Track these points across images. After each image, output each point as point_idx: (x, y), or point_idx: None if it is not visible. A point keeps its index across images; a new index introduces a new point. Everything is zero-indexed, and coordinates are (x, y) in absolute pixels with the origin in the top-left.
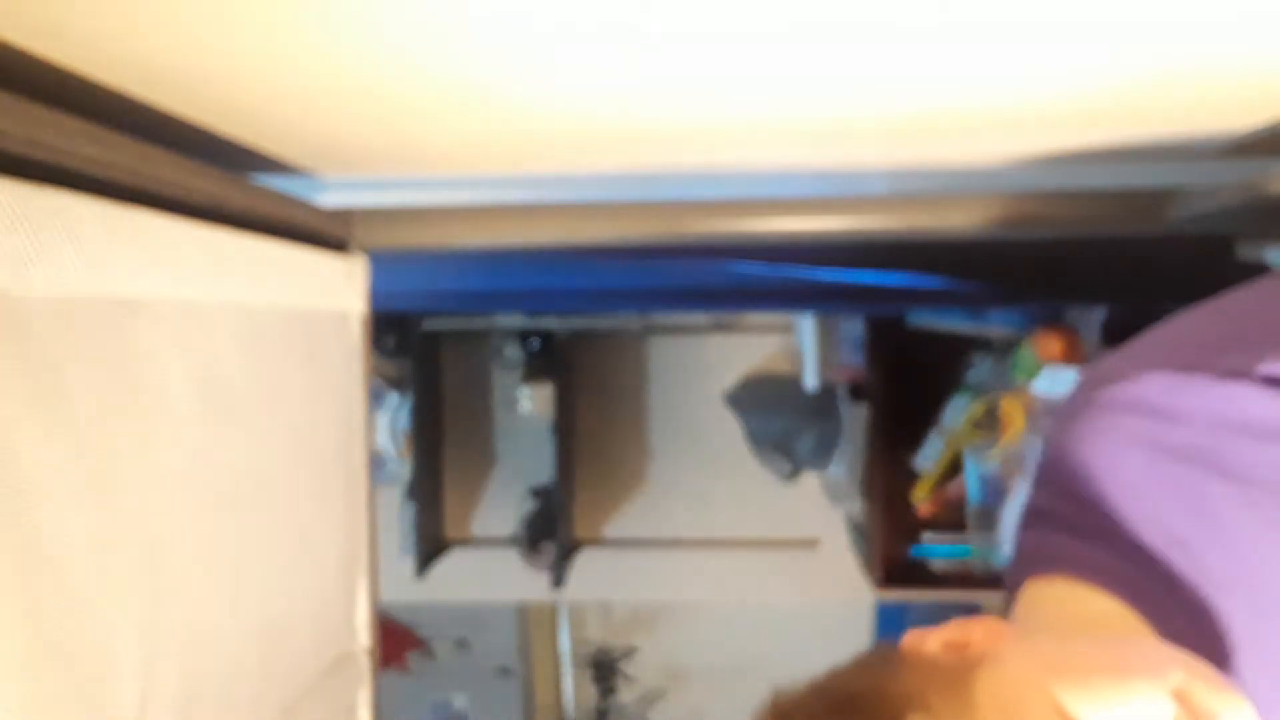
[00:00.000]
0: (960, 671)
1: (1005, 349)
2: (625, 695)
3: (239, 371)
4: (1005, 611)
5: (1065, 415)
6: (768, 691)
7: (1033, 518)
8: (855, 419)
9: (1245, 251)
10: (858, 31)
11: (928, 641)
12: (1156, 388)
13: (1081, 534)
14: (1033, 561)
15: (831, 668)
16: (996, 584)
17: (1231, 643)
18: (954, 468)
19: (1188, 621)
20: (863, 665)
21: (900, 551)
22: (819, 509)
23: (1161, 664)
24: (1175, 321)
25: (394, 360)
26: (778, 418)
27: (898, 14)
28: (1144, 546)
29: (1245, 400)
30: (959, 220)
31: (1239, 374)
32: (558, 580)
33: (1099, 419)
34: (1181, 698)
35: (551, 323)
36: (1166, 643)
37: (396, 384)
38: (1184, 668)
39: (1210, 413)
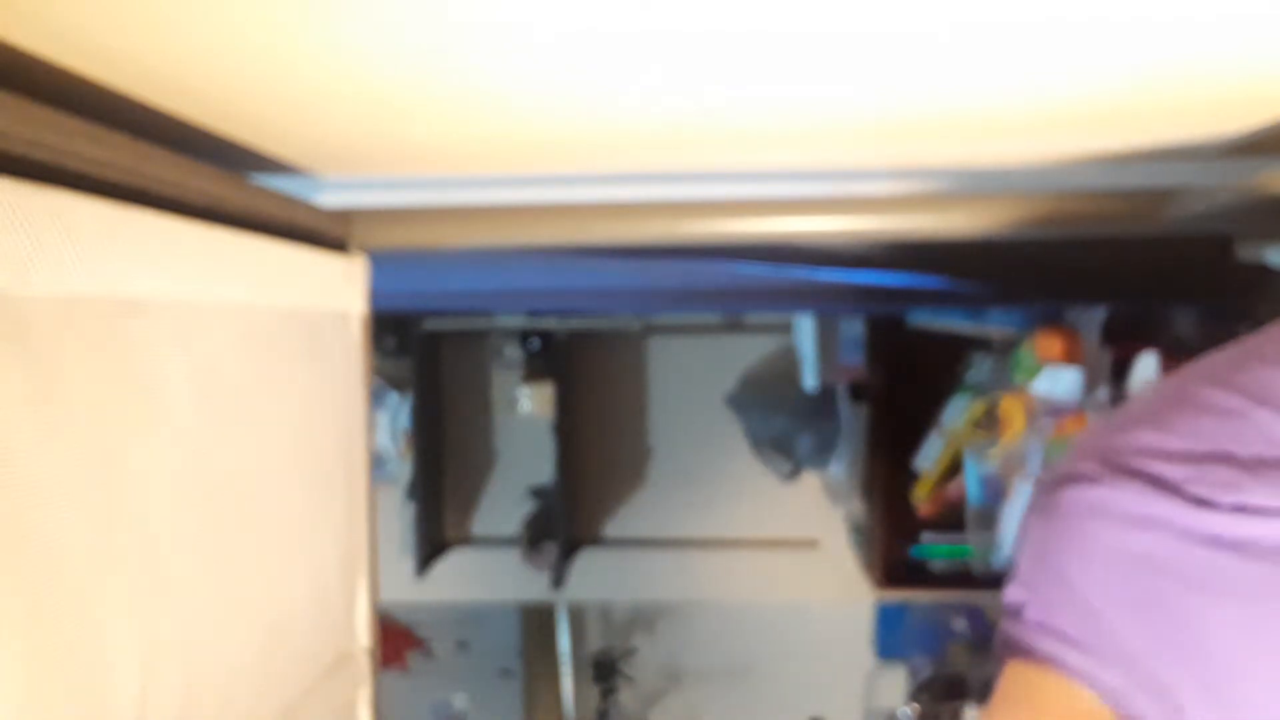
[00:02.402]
0: None
1: (1005, 349)
2: (625, 695)
3: (239, 371)
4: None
5: (1040, 502)
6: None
7: (1011, 610)
8: (855, 419)
9: (1245, 251)
10: (857, 32)
11: None
12: (1124, 495)
13: (1055, 633)
14: (1012, 649)
15: None
16: (996, 584)
17: None
18: (954, 468)
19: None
20: None
21: (900, 551)
22: (819, 509)
23: None
24: (1159, 397)
25: (394, 360)
26: (778, 418)
27: (897, 15)
28: (1112, 650)
29: (1211, 523)
30: (959, 221)
31: (1209, 503)
32: (558, 580)
33: (1067, 522)
34: None
35: (551, 323)
36: None
37: (396, 384)
38: None
39: (1178, 527)
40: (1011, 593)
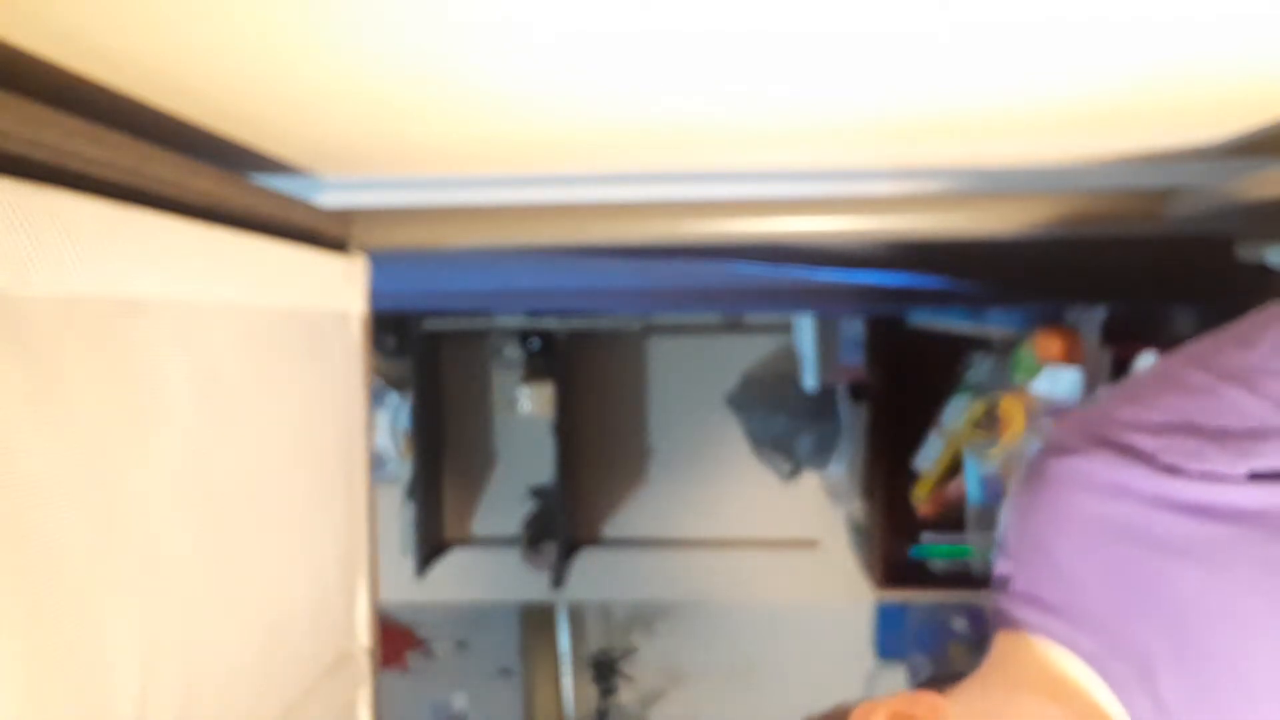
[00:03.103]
0: None
1: (1005, 349)
2: (625, 695)
3: (239, 371)
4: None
5: (1024, 476)
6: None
7: (999, 583)
8: (855, 419)
9: (1245, 251)
10: (857, 32)
11: (876, 713)
12: (1101, 464)
13: (1040, 604)
14: (1001, 620)
15: None
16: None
17: (1176, 708)
18: (954, 468)
19: (1140, 689)
20: None
21: (900, 551)
22: (819, 509)
23: None
24: (1145, 377)
25: (394, 360)
26: (778, 418)
27: (897, 15)
28: (1092, 618)
29: (1179, 489)
30: (959, 221)
31: (1177, 470)
32: (558, 580)
33: (1047, 492)
34: None
35: (551, 323)
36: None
37: (396, 384)
38: None
39: (1144, 492)
40: (1000, 566)
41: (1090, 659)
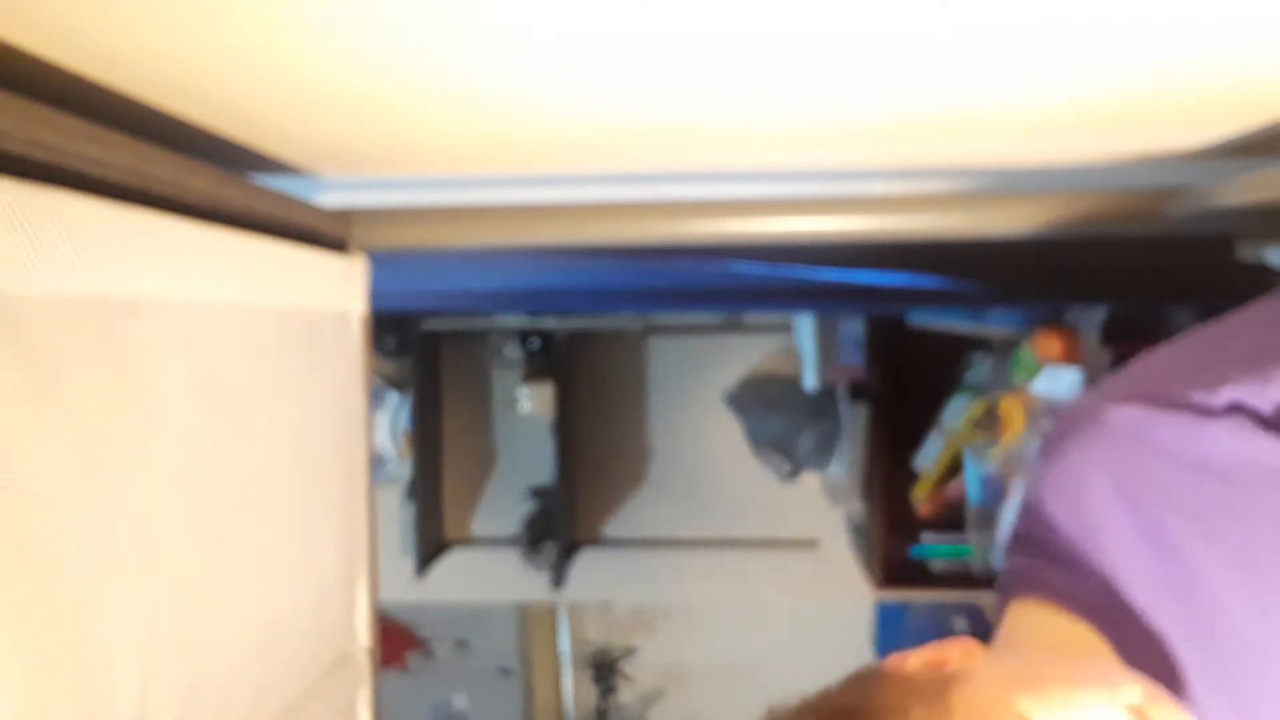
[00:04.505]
0: (938, 687)
1: (1005, 349)
2: (625, 695)
3: (239, 371)
4: (995, 623)
5: (1049, 440)
6: (764, 705)
7: (1016, 542)
8: (855, 419)
9: (1245, 251)
10: (857, 32)
11: (909, 661)
12: (1126, 418)
13: (1056, 560)
14: (1015, 583)
15: (823, 687)
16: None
17: (1188, 672)
18: (954, 468)
19: (1148, 648)
20: (850, 683)
21: (900, 551)
22: (819, 509)
23: (1118, 681)
24: (1172, 345)
25: (394, 360)
26: (778, 418)
27: (897, 15)
28: (1108, 575)
29: (1202, 438)
30: (959, 221)
31: (1201, 409)
32: (558, 580)
33: (1073, 447)
34: (1136, 713)
35: (551, 323)
36: (1125, 665)
37: (396, 384)
38: (1139, 686)
39: (1172, 448)
40: (1018, 525)
41: (1097, 614)
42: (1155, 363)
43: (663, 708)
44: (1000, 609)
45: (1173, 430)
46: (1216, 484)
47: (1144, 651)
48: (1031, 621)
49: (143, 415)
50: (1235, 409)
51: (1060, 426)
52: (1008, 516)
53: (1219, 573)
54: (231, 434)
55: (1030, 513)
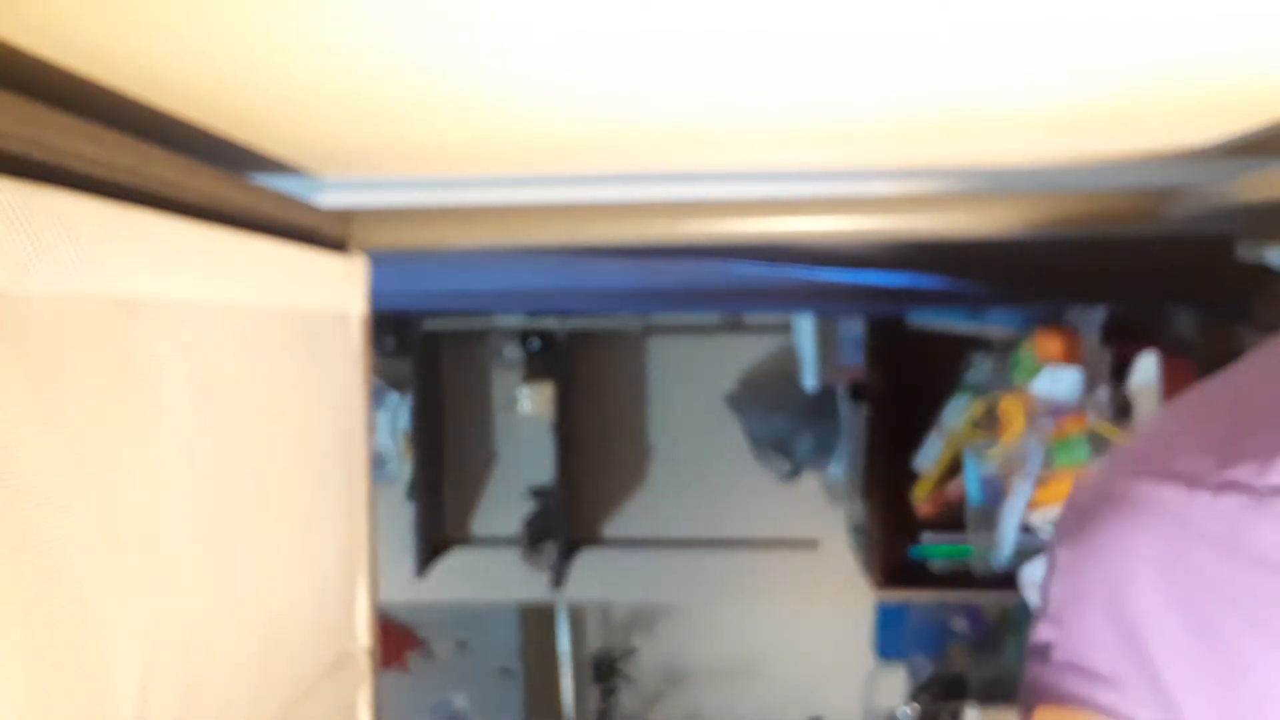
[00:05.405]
0: None
1: (1005, 349)
2: (625, 695)
3: (239, 371)
4: None
5: (1074, 524)
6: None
7: (1038, 651)
8: (855, 419)
9: (1245, 251)
10: (857, 32)
11: None
12: (1168, 503)
13: (1087, 670)
14: (1040, 693)
15: None
16: (996, 584)
17: None
18: (954, 468)
19: None
20: None
21: (900, 551)
22: (819, 509)
23: None
24: (1182, 406)
25: (394, 360)
26: (778, 418)
27: (897, 15)
28: (1151, 677)
29: (1259, 524)
30: (960, 221)
31: (1248, 490)
32: (558, 580)
33: (1111, 539)
34: None
35: (551, 323)
36: None
37: (396, 384)
38: None
39: (1224, 535)
40: (1040, 632)
41: None
42: (1178, 430)
43: (663, 708)
44: (1024, 716)
45: (1222, 515)
46: (1271, 575)
47: None
48: None
49: (143, 415)
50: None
51: (1085, 510)
52: (1008, 516)
53: (1270, 664)
54: (231, 434)
55: (1056, 616)
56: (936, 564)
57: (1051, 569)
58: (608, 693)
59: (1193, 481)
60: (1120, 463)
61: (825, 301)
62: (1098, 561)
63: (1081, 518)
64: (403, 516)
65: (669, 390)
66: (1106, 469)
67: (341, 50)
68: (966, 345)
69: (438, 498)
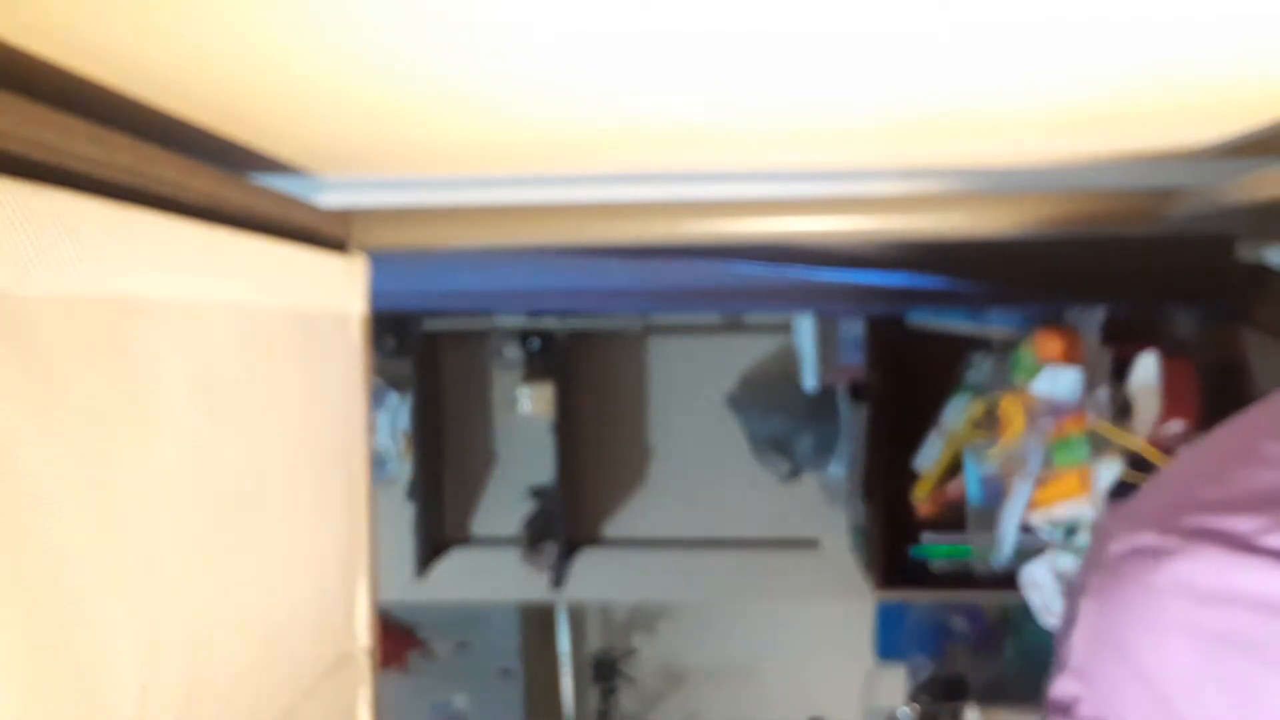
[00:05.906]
0: None
1: (1005, 349)
2: (625, 696)
3: (239, 371)
4: None
5: (1098, 582)
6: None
7: (1060, 708)
8: (855, 419)
9: (1245, 251)
10: (857, 32)
11: None
12: (1199, 565)
13: None
14: None
15: None
16: (996, 584)
17: None
18: (954, 468)
19: None
20: None
21: (900, 551)
22: (819, 509)
23: None
24: (1202, 456)
25: (394, 360)
26: (778, 418)
27: (897, 15)
28: None
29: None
30: (960, 221)
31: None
32: (558, 580)
33: (1136, 601)
34: None
35: (551, 323)
36: None
37: (396, 384)
38: None
39: (1257, 598)
40: (1061, 686)
41: None
42: (1207, 477)
43: (663, 708)
44: None
45: (1262, 578)
46: None
47: None
48: None
49: (143, 415)
50: None
51: (1113, 562)
52: (1008, 516)
53: None
54: (231, 434)
55: (1080, 670)
56: (936, 564)
57: (1073, 619)
58: (608, 693)
59: (1235, 543)
60: (1148, 513)
61: (825, 301)
62: (1127, 620)
63: (1111, 570)
64: (403, 516)
65: (669, 390)
66: (1133, 518)
67: (341, 50)
68: (966, 345)
69: (438, 498)
